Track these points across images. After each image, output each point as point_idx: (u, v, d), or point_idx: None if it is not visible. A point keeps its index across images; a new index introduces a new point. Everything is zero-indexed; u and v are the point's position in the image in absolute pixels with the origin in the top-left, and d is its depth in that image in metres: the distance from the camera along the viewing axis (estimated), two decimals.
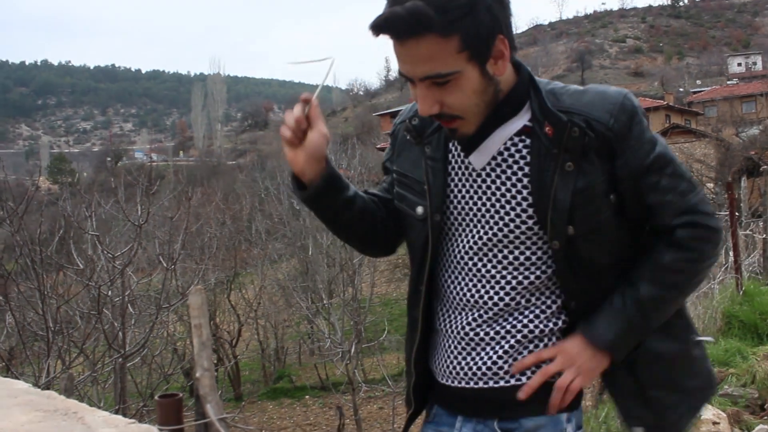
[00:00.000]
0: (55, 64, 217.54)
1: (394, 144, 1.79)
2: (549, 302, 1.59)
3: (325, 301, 14.38)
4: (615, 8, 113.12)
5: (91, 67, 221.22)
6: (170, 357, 11.47)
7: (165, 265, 8.32)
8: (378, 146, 44.66)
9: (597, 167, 1.50)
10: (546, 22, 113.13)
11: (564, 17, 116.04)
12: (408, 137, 1.70)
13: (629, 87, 74.92)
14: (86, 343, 7.45)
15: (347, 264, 14.56)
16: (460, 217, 1.61)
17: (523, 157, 1.53)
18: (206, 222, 15.14)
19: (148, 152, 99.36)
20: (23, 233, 6.95)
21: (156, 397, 1.26)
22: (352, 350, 12.65)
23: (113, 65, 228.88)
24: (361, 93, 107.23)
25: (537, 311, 1.58)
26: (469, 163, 1.58)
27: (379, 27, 1.38)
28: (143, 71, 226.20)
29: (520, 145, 1.54)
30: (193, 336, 1.31)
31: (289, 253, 17.64)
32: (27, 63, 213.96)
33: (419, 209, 1.64)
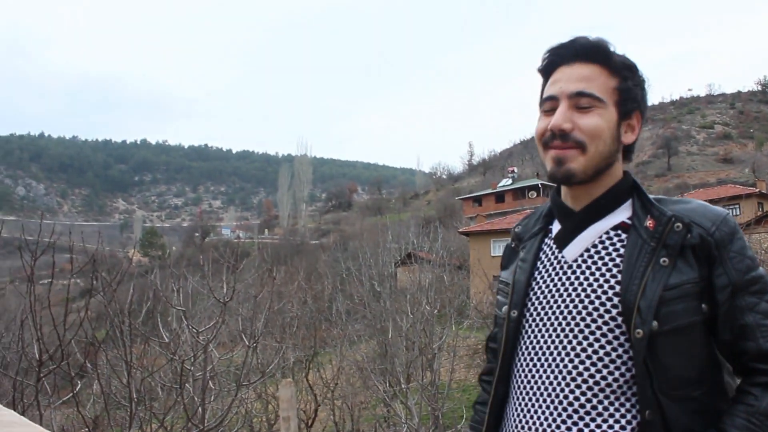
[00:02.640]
0: (153, 143, 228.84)
1: (502, 262, 1.87)
2: (629, 415, 1.50)
3: (402, 385, 14.18)
4: (702, 94, 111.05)
5: (186, 147, 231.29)
6: None
7: (247, 342, 8.41)
8: (460, 230, 44.66)
9: (693, 269, 1.49)
10: None
11: (649, 103, 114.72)
12: (513, 245, 1.79)
13: (718, 174, 73.09)
14: (167, 416, 7.55)
15: (426, 348, 14.38)
16: (543, 312, 1.61)
17: (616, 250, 1.56)
18: (288, 301, 15.30)
19: (235, 229, 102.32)
20: (114, 305, 7.19)
21: None
22: None
23: (206, 145, 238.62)
24: (444, 177, 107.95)
25: (623, 420, 1.50)
26: (562, 256, 1.62)
27: (561, 47, 1.60)
28: (234, 151, 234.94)
29: (615, 239, 1.57)
30: (281, 429, 1.31)
31: (368, 334, 17.56)
32: (128, 142, 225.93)
33: (505, 308, 1.68)
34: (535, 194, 65.47)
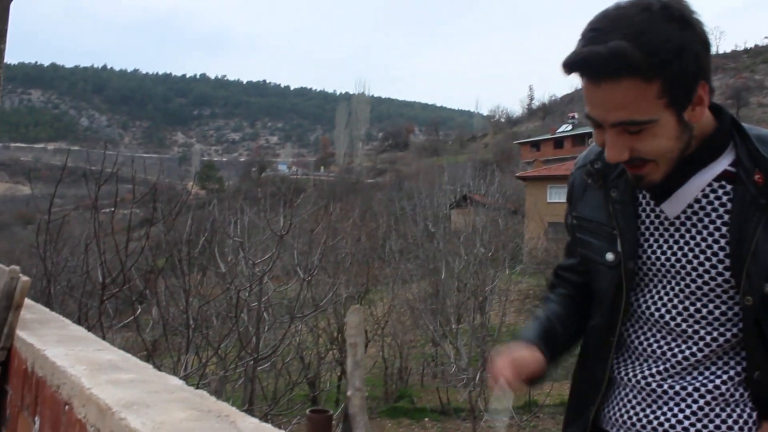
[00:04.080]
0: (212, 78, 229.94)
1: (571, 192, 1.71)
2: (738, 368, 1.47)
3: (453, 326, 14.27)
4: None
5: (244, 82, 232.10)
6: (297, 365, 11.73)
7: (302, 275, 8.53)
8: (516, 174, 44.18)
9: None
10: None
11: (721, 51, 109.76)
12: (589, 181, 1.62)
13: None
14: (222, 344, 7.75)
15: (478, 290, 14.40)
16: (654, 267, 1.52)
17: (723, 205, 1.43)
18: (343, 237, 15.43)
19: (291, 165, 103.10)
20: (174, 234, 7.34)
21: (307, 412, 1.25)
22: (477, 378, 12.46)
23: (264, 81, 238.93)
24: (503, 120, 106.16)
25: (731, 372, 1.48)
26: (661, 211, 1.50)
27: (573, 65, 1.32)
28: (292, 88, 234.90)
29: (720, 191, 1.44)
30: (348, 355, 1.30)
31: (421, 274, 17.65)
32: (188, 76, 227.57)
33: (609, 255, 1.55)
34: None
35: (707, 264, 1.43)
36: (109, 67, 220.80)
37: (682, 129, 1.37)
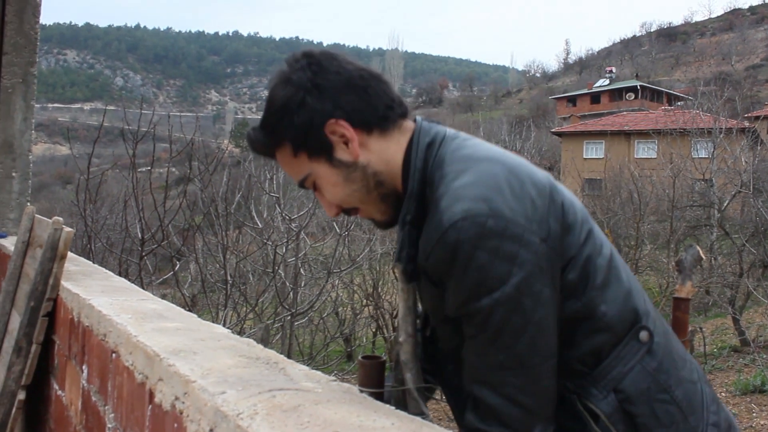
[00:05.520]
0: (245, 35, 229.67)
1: None
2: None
3: None
4: None
5: (277, 39, 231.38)
6: (333, 321, 11.82)
7: (339, 231, 8.55)
8: (552, 130, 43.67)
9: (433, 289, 1.28)
10: (746, 6, 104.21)
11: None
12: None
13: None
14: (260, 299, 7.83)
15: None
16: None
17: None
18: None
19: None
20: (210, 191, 7.38)
21: (359, 358, 1.24)
22: None
23: (297, 37, 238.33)
24: (538, 75, 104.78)
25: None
26: None
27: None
28: (325, 44, 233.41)
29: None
30: (399, 300, 1.27)
31: None
32: (220, 33, 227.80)
33: None
34: (633, 96, 62.91)
35: None
36: (142, 25, 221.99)
37: (345, 171, 1.33)
